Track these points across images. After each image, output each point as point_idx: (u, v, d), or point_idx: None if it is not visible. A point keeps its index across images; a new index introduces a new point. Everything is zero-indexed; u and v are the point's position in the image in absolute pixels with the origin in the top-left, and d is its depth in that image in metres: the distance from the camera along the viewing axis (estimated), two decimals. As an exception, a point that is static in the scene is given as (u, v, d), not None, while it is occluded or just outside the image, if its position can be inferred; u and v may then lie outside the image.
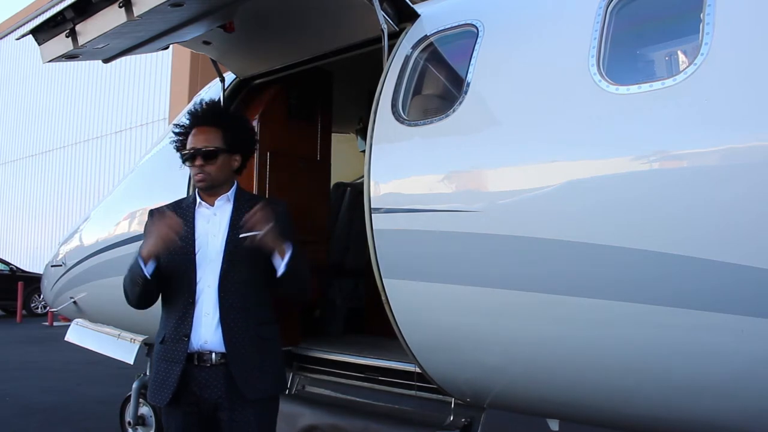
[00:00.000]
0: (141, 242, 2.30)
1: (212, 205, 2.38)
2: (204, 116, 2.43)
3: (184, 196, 3.38)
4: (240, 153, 2.45)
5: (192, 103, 4.02)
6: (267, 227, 2.15)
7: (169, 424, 2.33)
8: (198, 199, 2.41)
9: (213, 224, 2.36)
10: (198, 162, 2.33)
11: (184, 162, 2.44)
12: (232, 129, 2.43)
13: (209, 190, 2.38)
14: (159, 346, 2.32)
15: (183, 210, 2.41)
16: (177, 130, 2.46)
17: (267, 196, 3.48)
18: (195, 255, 2.30)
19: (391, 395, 3.00)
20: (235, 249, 2.29)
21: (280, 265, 2.22)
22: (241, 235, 2.29)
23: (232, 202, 2.39)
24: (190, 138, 2.38)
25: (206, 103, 2.51)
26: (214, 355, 2.24)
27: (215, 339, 2.24)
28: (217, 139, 2.36)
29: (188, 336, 2.23)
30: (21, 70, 22.22)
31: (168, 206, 2.48)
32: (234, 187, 2.43)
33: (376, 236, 2.56)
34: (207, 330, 2.24)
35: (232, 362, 2.23)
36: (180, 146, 2.44)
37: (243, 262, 2.28)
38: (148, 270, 2.20)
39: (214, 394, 2.24)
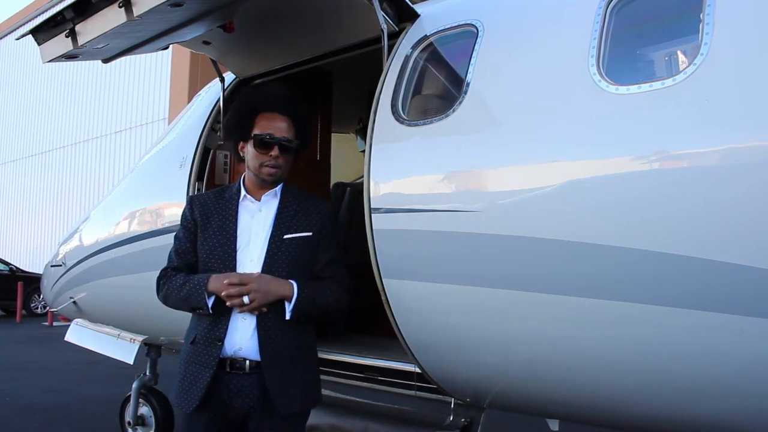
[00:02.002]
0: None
1: (258, 199, 2.24)
2: (284, 103, 2.26)
3: (184, 196, 3.38)
4: (299, 150, 2.32)
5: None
6: (252, 297, 2.06)
7: (190, 430, 2.19)
8: (243, 191, 2.26)
9: (257, 221, 2.22)
10: (274, 152, 2.18)
11: (238, 143, 2.26)
12: (301, 125, 2.29)
13: (275, 184, 2.25)
14: (189, 347, 2.18)
15: (225, 201, 2.27)
16: (242, 106, 2.28)
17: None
18: (236, 254, 2.17)
19: (391, 395, 3.00)
20: (278, 250, 2.17)
21: (287, 311, 2.13)
22: (285, 236, 2.17)
23: (278, 198, 2.26)
24: (263, 121, 2.20)
25: (283, 88, 2.29)
26: (248, 362, 2.11)
27: (251, 346, 2.11)
28: (291, 131, 2.23)
29: (222, 340, 2.11)
30: (21, 69, 22.22)
31: (209, 194, 2.35)
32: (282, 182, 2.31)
33: (376, 236, 2.56)
34: (243, 336, 2.12)
35: (268, 373, 2.10)
36: (244, 125, 2.24)
37: (285, 265, 2.17)
38: (210, 303, 2.11)
39: (245, 404, 2.12)
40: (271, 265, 2.17)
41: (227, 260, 2.17)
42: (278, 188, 2.28)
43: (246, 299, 2.06)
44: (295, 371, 2.17)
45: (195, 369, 2.14)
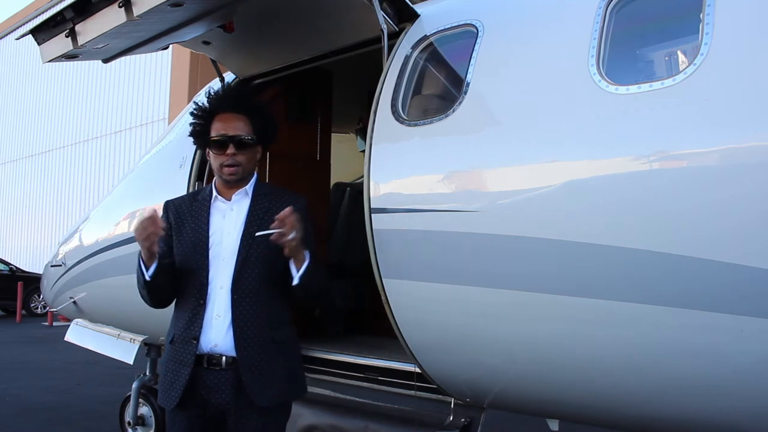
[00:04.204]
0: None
1: (229, 199, 2.28)
2: (235, 102, 2.31)
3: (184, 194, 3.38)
4: (263, 144, 2.37)
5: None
6: (294, 234, 2.04)
7: (172, 428, 2.23)
8: (214, 193, 2.30)
9: (229, 220, 2.26)
10: (230, 151, 2.22)
11: (204, 148, 2.31)
12: (260, 118, 2.33)
13: (239, 182, 2.28)
14: (168, 346, 2.24)
15: (198, 203, 2.32)
16: (198, 112, 2.33)
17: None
18: (208, 252, 2.21)
19: (391, 395, 3.00)
20: (250, 248, 2.20)
21: (296, 275, 2.13)
22: (257, 234, 2.19)
23: (250, 196, 2.29)
24: (217, 123, 2.26)
25: (234, 87, 2.37)
26: (224, 358, 2.15)
27: (226, 342, 2.15)
28: (248, 127, 2.27)
29: (197, 338, 2.15)
30: (21, 69, 22.22)
31: (184, 198, 2.40)
32: (253, 180, 2.33)
33: (376, 236, 2.56)
34: (218, 333, 2.16)
35: (243, 368, 2.14)
36: (201, 130, 2.31)
37: (258, 261, 2.20)
38: (149, 273, 2.14)
39: (222, 399, 2.16)
40: (244, 263, 2.20)
41: (200, 260, 2.21)
42: (249, 187, 2.31)
43: (292, 235, 2.04)
44: (272, 365, 2.20)
45: (174, 367, 2.19)
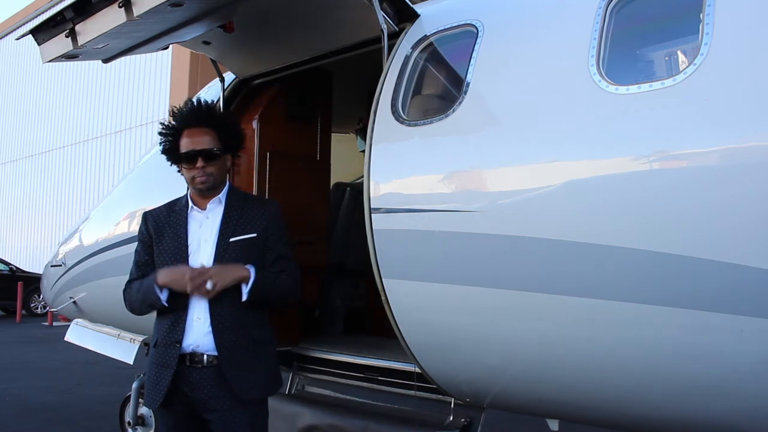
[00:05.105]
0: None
1: (204, 208, 2.39)
2: (199, 117, 2.42)
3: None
4: (232, 153, 2.47)
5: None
6: (210, 286, 2.19)
7: (160, 426, 2.37)
8: (190, 203, 2.41)
9: (205, 228, 2.37)
10: (199, 164, 2.32)
11: (177, 163, 2.42)
12: (225, 129, 2.43)
13: (211, 191, 2.38)
14: (152, 350, 2.35)
15: (176, 213, 2.43)
16: (166, 131, 2.42)
17: (265, 196, 3.48)
18: (187, 261, 2.32)
19: (390, 395, 3.00)
20: (225, 253, 2.31)
21: (244, 292, 2.26)
22: (231, 240, 2.32)
23: (223, 204, 2.39)
24: (185, 139, 2.36)
25: (197, 103, 2.49)
26: (206, 356, 2.26)
27: (207, 342, 2.26)
28: (214, 139, 2.37)
29: (180, 342, 2.25)
30: (21, 69, 22.22)
31: (161, 208, 2.50)
32: (226, 188, 2.43)
33: (376, 236, 2.56)
34: (199, 334, 2.26)
35: (225, 365, 2.24)
36: (171, 147, 2.41)
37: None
38: (163, 297, 2.26)
39: (204, 395, 2.26)
40: (223, 263, 2.30)
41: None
42: (222, 195, 2.41)
43: (209, 285, 2.20)
44: (252, 361, 2.30)
45: (158, 370, 2.29)
